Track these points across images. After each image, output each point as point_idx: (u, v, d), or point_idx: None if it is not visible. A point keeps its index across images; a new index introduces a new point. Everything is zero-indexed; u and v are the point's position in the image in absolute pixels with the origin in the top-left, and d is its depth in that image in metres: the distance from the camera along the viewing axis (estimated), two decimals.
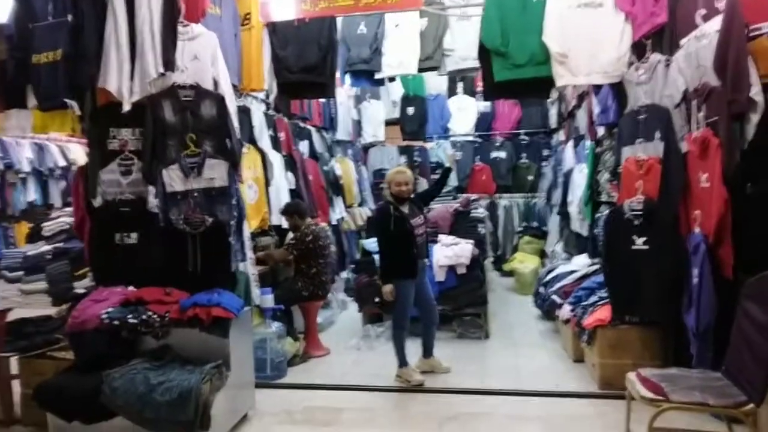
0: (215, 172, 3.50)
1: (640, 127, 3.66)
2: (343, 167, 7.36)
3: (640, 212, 3.49)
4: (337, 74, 6.68)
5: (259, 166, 4.83)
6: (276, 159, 5.20)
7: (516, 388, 3.79)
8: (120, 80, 3.45)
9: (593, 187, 4.98)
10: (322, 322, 5.45)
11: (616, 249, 3.62)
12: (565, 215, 6.28)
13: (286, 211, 4.78)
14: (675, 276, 3.28)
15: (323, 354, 4.72)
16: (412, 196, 4.10)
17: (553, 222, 7.69)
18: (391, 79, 6.01)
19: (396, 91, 8.77)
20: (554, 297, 4.57)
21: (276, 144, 5.34)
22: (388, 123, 8.94)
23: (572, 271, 4.81)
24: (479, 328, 5.00)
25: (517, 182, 8.75)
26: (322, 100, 6.78)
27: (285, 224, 4.87)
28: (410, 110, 8.81)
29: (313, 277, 4.64)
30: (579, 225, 5.50)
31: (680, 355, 3.39)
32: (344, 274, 6.79)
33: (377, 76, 5.83)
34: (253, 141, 4.84)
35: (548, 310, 4.80)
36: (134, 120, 3.52)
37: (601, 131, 4.67)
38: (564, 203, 6.21)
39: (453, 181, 8.69)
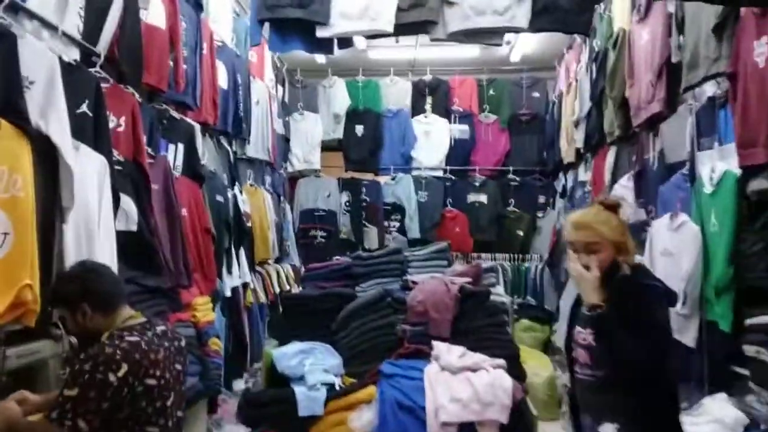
0: None
1: None
2: (253, 200, 4.61)
3: None
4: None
5: (27, 168, 2.01)
6: (92, 164, 2.40)
7: None
8: None
9: (740, 256, 2.53)
10: None
11: None
12: None
13: (56, 298, 1.85)
14: None
15: None
16: None
17: (563, 299, 5.28)
18: (343, 44, 3.38)
19: (340, 100, 6.20)
20: None
21: (100, 134, 2.53)
22: (327, 146, 6.32)
23: None
24: None
25: (502, 238, 6.29)
26: (223, 85, 4.04)
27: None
28: (359, 129, 6.30)
29: None
30: (678, 324, 2.99)
31: None
32: (241, 384, 3.93)
33: (320, 33, 3.23)
34: (15, 110, 2.01)
35: None
36: None
37: None
38: None
39: (414, 231, 6.14)
